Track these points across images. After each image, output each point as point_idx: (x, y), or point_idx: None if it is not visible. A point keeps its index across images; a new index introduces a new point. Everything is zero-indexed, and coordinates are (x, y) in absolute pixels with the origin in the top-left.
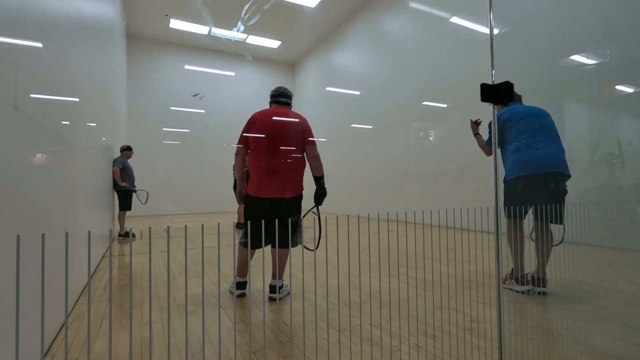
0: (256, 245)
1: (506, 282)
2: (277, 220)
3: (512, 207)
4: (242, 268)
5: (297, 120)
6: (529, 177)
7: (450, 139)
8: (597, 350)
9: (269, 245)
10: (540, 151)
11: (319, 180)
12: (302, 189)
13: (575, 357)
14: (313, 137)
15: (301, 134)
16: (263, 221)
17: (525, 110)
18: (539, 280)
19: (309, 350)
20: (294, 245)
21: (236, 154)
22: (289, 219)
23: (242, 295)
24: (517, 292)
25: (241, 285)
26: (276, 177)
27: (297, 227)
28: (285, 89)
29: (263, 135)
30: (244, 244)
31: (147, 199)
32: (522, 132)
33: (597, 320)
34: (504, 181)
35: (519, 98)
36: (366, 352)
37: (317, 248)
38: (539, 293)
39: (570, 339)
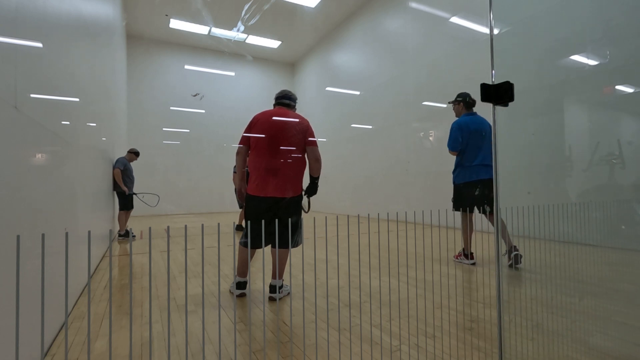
0: (256, 245)
1: (457, 257)
2: (277, 220)
3: (463, 204)
4: (242, 268)
5: (298, 120)
6: (471, 183)
7: None
8: (597, 350)
9: (270, 245)
10: (479, 167)
11: (314, 179)
12: (302, 189)
13: (575, 357)
14: (314, 138)
15: (302, 135)
16: (263, 221)
17: (479, 127)
18: (512, 248)
19: (309, 350)
20: (295, 245)
21: (237, 154)
22: (289, 219)
23: (242, 295)
24: (466, 264)
25: (241, 285)
26: (276, 176)
27: (297, 227)
28: (289, 91)
29: (264, 135)
30: (244, 244)
31: (157, 202)
32: (471, 147)
33: (597, 320)
34: (454, 183)
35: (472, 105)
36: (366, 352)
37: (308, 211)
38: (516, 255)
39: (570, 339)
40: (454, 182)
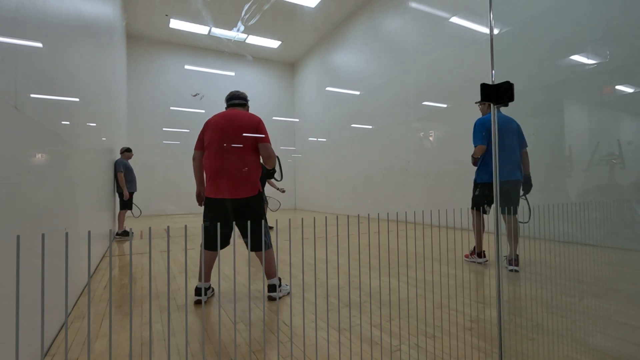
0: (213, 247)
1: (469, 256)
2: (243, 222)
3: (480, 202)
4: (205, 271)
5: (249, 120)
6: (490, 183)
7: (450, 139)
8: (597, 350)
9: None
10: (505, 168)
11: (268, 170)
12: (259, 189)
13: (575, 357)
14: (266, 135)
15: (253, 132)
16: (218, 224)
17: (507, 125)
18: (512, 260)
19: (309, 350)
20: (265, 247)
21: (193, 159)
22: (251, 220)
23: (198, 302)
24: (478, 263)
25: (199, 292)
26: (227, 177)
27: (262, 227)
28: (238, 91)
29: (215, 138)
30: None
31: (139, 215)
32: (500, 146)
33: (597, 320)
34: (475, 182)
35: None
36: (366, 352)
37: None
38: (510, 270)
39: (570, 339)
40: (474, 181)
